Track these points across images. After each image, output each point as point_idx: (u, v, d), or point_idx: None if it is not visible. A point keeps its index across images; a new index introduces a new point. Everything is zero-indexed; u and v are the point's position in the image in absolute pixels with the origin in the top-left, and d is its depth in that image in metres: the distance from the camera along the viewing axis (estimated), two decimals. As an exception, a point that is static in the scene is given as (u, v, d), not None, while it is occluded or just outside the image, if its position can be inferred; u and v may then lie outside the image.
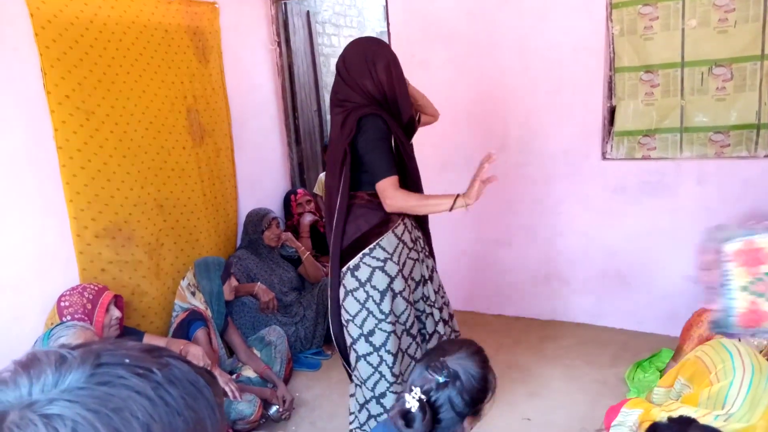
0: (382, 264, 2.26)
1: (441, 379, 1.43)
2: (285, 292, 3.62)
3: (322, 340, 3.56)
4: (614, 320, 3.61)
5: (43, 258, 2.59)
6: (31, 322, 2.50)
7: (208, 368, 2.56)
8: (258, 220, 3.63)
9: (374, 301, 2.26)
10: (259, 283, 3.43)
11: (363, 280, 2.27)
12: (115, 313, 2.51)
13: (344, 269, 2.30)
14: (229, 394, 2.66)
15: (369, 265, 2.26)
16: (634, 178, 3.37)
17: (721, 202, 3.17)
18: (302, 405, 3.04)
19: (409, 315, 2.34)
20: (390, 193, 2.18)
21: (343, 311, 2.34)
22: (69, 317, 2.38)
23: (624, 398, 2.57)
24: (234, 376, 2.94)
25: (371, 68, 2.23)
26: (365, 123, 2.19)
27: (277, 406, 2.86)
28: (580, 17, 3.29)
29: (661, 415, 1.62)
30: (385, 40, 4.69)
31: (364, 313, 2.28)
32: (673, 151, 3.26)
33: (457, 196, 2.13)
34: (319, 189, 4.72)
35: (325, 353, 3.53)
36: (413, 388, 1.44)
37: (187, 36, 3.35)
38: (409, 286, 2.35)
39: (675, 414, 1.50)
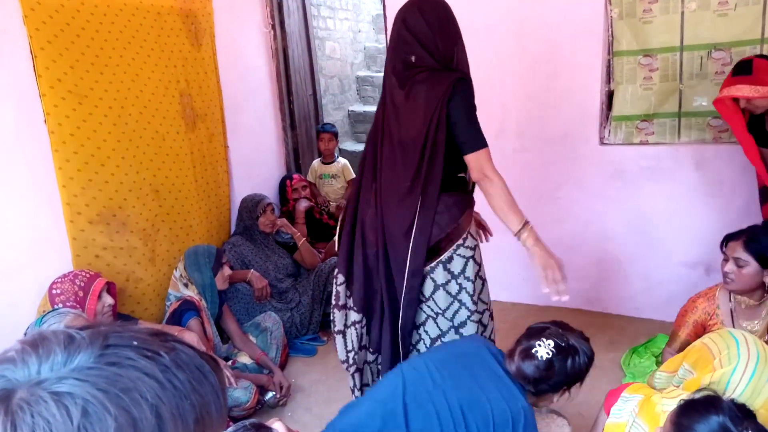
0: (472, 252, 2.17)
1: (564, 345, 1.67)
2: (280, 279, 3.60)
3: (317, 326, 3.55)
4: (611, 306, 3.62)
5: (37, 244, 2.56)
6: (25, 308, 2.47)
7: (205, 354, 2.55)
8: (253, 206, 3.59)
9: (467, 292, 2.17)
10: (252, 270, 3.41)
11: (456, 272, 2.15)
12: (108, 300, 2.48)
13: (434, 263, 2.15)
14: (224, 381, 2.64)
15: (463, 256, 2.15)
16: (632, 164, 3.35)
17: (719, 188, 3.17)
18: (298, 391, 3.04)
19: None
20: (492, 168, 2.01)
21: (431, 303, 2.20)
22: (61, 305, 2.35)
23: (620, 383, 2.58)
24: (230, 363, 2.93)
25: (445, 28, 2.01)
26: (461, 85, 1.99)
27: (274, 392, 2.85)
28: (579, 0, 3.25)
29: (662, 401, 1.62)
30: (381, 23, 4.60)
31: (456, 305, 2.18)
32: (671, 135, 3.24)
33: (527, 223, 2.10)
34: (312, 177, 4.68)
35: (320, 339, 3.52)
36: (546, 340, 1.66)
37: (179, 18, 3.29)
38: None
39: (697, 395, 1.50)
